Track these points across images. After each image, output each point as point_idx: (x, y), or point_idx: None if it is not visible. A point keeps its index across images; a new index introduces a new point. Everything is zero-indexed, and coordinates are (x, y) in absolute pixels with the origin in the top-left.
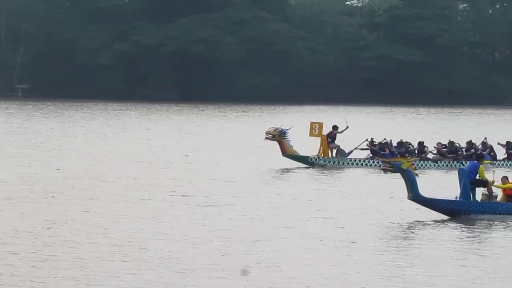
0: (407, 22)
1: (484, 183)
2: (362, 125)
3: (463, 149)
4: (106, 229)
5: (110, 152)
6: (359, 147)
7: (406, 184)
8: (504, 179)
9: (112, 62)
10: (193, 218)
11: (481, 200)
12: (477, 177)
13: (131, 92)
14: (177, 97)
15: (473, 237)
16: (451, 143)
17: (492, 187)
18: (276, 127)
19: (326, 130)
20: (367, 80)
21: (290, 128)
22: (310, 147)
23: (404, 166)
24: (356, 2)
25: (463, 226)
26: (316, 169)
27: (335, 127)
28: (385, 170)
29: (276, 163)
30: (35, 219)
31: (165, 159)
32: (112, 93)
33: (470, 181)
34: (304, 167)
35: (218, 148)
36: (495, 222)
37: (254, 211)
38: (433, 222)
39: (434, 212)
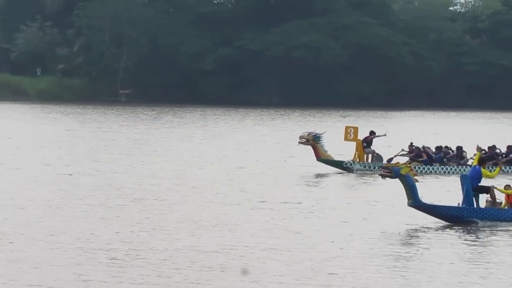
0: (510, 27)
1: (487, 190)
2: (451, 130)
3: (504, 154)
4: (191, 235)
5: (201, 156)
6: (399, 154)
7: (406, 190)
8: (508, 187)
9: (215, 67)
10: (268, 224)
11: (485, 206)
12: (482, 181)
13: (233, 97)
14: (280, 102)
15: (478, 244)
16: (492, 147)
17: (496, 192)
18: (310, 131)
19: (362, 134)
20: (470, 85)
21: (324, 133)
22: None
23: (403, 172)
24: (459, 7)
25: (467, 233)
26: (350, 174)
27: (372, 133)
28: (383, 176)
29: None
30: (120, 224)
31: (249, 165)
32: (214, 98)
33: (472, 188)
34: (339, 172)
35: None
36: (499, 229)
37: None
38: (437, 229)
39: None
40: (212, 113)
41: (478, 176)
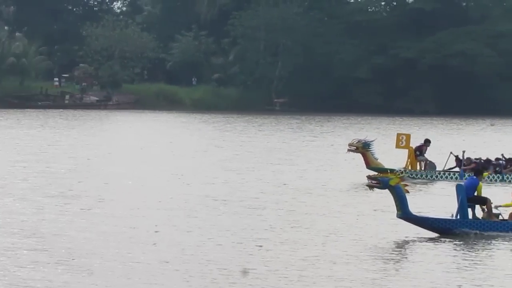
0: None
1: (484, 201)
2: None
3: None
4: (318, 245)
5: (335, 165)
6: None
7: (395, 202)
8: None
9: (370, 75)
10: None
11: (482, 218)
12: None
13: (388, 106)
14: (435, 110)
15: (470, 257)
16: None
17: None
18: (360, 138)
19: (415, 142)
20: None
21: (374, 140)
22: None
23: (392, 183)
24: None
25: (458, 246)
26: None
27: (426, 141)
28: (370, 187)
29: None
30: (244, 234)
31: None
32: (369, 106)
33: (468, 198)
34: None
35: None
36: (493, 242)
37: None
38: (427, 241)
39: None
40: (361, 121)
41: (473, 187)
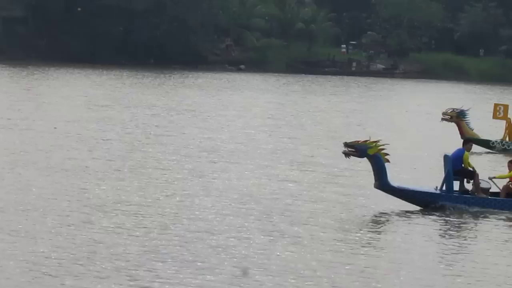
0: None
1: (471, 174)
2: None
3: None
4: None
5: None
6: None
7: (373, 171)
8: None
9: None
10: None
11: (470, 191)
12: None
13: None
14: None
15: (449, 233)
16: None
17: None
18: (454, 107)
19: None
20: None
21: (469, 109)
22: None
23: (371, 152)
24: None
25: (437, 220)
26: (496, 153)
27: None
28: (347, 155)
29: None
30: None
31: None
32: None
33: (454, 170)
34: (485, 152)
35: None
36: (477, 218)
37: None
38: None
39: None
40: None
41: (459, 158)
